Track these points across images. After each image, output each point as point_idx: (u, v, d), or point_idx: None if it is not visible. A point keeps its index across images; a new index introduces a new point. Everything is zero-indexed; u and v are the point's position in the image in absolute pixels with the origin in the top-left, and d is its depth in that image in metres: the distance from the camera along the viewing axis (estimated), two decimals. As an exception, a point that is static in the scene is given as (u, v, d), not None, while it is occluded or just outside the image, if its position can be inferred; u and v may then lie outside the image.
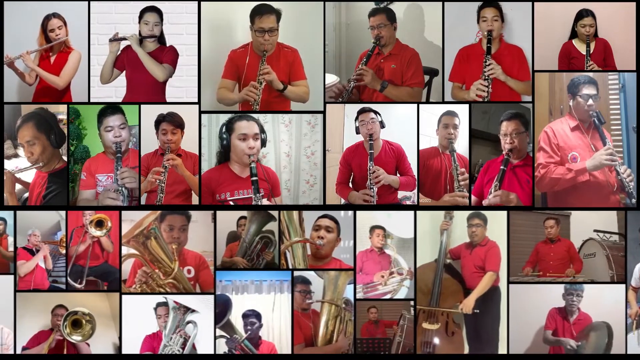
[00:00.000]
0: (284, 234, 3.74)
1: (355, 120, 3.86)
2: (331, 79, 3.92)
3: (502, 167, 3.71)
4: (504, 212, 3.79)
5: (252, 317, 3.71)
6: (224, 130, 3.66)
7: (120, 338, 3.76)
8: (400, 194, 3.90)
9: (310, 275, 3.75)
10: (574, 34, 3.87)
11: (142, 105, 3.81)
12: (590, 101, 3.72)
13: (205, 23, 3.85)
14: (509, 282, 3.79)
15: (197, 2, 3.85)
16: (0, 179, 3.80)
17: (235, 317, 3.71)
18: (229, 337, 3.66)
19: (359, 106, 3.87)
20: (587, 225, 3.85)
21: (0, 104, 3.84)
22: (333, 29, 3.99)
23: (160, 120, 3.80)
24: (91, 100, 3.84)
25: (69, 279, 3.77)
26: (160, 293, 3.67)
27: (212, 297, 3.74)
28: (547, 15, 3.84)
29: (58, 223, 3.85)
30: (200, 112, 3.83)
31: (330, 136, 3.89)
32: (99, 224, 3.77)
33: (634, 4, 3.83)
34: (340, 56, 4.04)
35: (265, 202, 3.62)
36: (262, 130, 3.69)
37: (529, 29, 3.83)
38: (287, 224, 3.73)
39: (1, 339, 3.72)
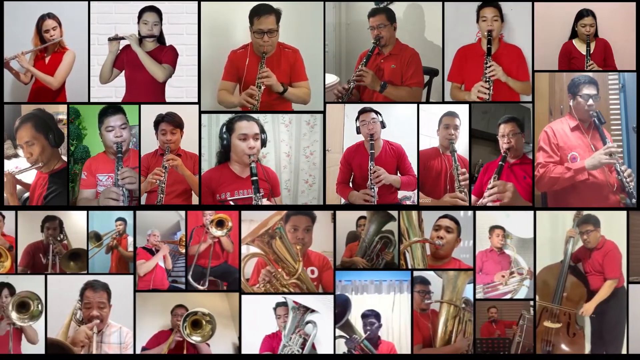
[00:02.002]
0: (404, 234, 3.75)
1: (356, 120, 3.87)
2: (331, 79, 3.92)
3: (500, 162, 3.75)
4: (624, 213, 3.77)
5: (371, 317, 3.72)
6: (224, 130, 3.66)
7: (239, 338, 3.76)
8: (400, 193, 3.90)
9: (429, 275, 3.76)
10: (574, 34, 3.87)
11: (142, 105, 3.80)
12: (591, 101, 3.73)
13: (205, 23, 3.85)
14: (628, 283, 3.77)
15: (197, 2, 3.84)
16: (0, 180, 3.79)
17: (355, 317, 3.72)
18: (348, 337, 3.67)
19: (360, 106, 3.87)
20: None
21: (0, 104, 3.84)
22: (333, 29, 3.98)
23: (159, 121, 3.80)
24: (91, 100, 3.83)
25: (190, 279, 3.74)
26: (282, 293, 3.67)
27: (331, 297, 3.74)
28: (547, 15, 3.84)
29: (178, 223, 3.85)
30: (200, 112, 3.82)
31: (330, 136, 3.89)
32: (220, 223, 3.75)
33: (634, 4, 3.83)
34: (340, 56, 4.03)
35: (265, 202, 3.62)
36: (262, 130, 3.69)
37: (529, 29, 3.83)
38: (407, 224, 3.74)
39: (120, 338, 3.71)
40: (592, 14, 3.84)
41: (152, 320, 3.76)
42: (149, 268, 3.79)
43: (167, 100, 3.84)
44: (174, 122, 3.80)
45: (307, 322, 3.62)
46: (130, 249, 3.82)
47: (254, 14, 3.80)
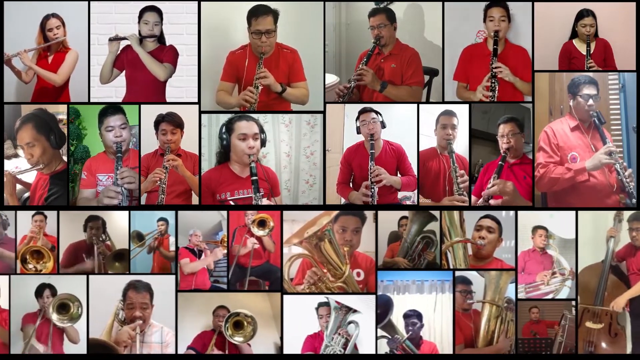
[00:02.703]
0: (445, 234, 3.75)
1: (356, 120, 3.86)
2: (331, 79, 3.92)
3: (500, 162, 3.75)
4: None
5: (413, 317, 3.72)
6: (223, 130, 3.66)
7: (281, 338, 3.75)
8: (401, 194, 3.90)
9: (471, 275, 3.76)
10: (574, 34, 3.87)
11: (142, 105, 3.81)
12: (591, 101, 3.73)
13: (205, 23, 3.85)
14: None
15: (197, 2, 3.84)
16: (0, 180, 3.79)
17: (397, 317, 3.72)
18: (390, 337, 3.67)
19: (360, 106, 3.86)
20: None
21: (0, 104, 3.84)
22: (333, 29, 3.98)
23: (159, 121, 3.80)
24: (91, 100, 3.83)
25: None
26: (325, 294, 3.67)
27: (373, 297, 3.73)
28: (547, 15, 3.84)
29: (219, 223, 3.85)
30: (200, 112, 3.82)
31: (330, 136, 3.89)
32: (262, 223, 3.76)
33: (634, 4, 3.83)
34: (340, 56, 4.03)
35: (265, 201, 3.62)
36: (262, 130, 3.69)
37: (529, 29, 3.83)
38: (449, 224, 3.74)
39: (161, 337, 3.71)
40: (592, 14, 3.83)
41: (194, 320, 3.77)
42: (195, 269, 3.79)
43: (167, 100, 3.85)
44: (174, 122, 3.80)
45: (350, 322, 3.62)
46: (172, 248, 3.82)
47: (252, 15, 3.80)
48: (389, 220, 3.81)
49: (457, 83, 3.89)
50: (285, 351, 3.73)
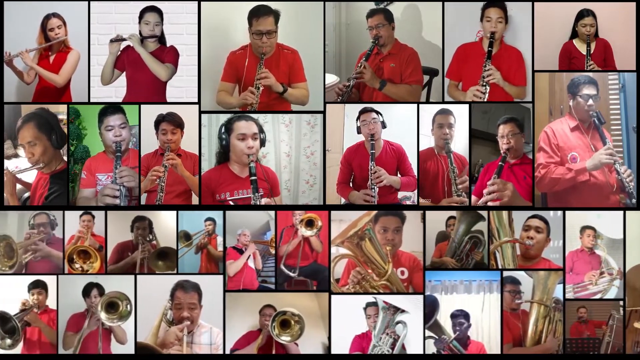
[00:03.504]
0: (494, 234, 3.76)
1: (357, 120, 3.87)
2: (331, 79, 3.92)
3: (500, 163, 3.75)
4: None
5: (460, 317, 3.73)
6: (223, 130, 3.66)
7: (329, 338, 3.76)
8: (401, 194, 3.90)
9: (519, 275, 3.77)
10: (574, 34, 3.86)
11: (142, 105, 3.81)
12: (590, 101, 3.72)
13: (205, 23, 3.85)
14: None
15: (197, 2, 3.85)
16: (0, 180, 3.80)
17: (444, 318, 3.73)
18: (437, 337, 3.69)
19: (360, 106, 3.87)
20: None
21: (0, 104, 3.85)
22: (333, 29, 3.98)
23: (160, 120, 3.80)
24: (91, 100, 3.84)
25: (283, 267, 3.77)
26: (371, 293, 3.68)
27: (421, 297, 3.74)
28: (547, 15, 3.83)
29: (267, 223, 3.86)
30: (200, 112, 3.83)
31: (330, 136, 3.89)
32: (309, 223, 3.77)
33: (634, 4, 3.83)
34: (340, 56, 4.03)
35: (264, 201, 3.62)
36: (261, 130, 3.69)
37: (529, 29, 3.82)
38: (497, 224, 3.75)
39: (211, 338, 3.70)
40: (592, 14, 3.83)
41: (242, 320, 3.77)
42: (238, 268, 3.80)
43: (168, 100, 3.85)
44: (175, 122, 3.81)
45: (397, 322, 3.63)
46: (220, 248, 3.83)
47: (253, 15, 3.80)
48: (437, 220, 3.82)
49: (449, 81, 3.88)
50: (333, 351, 3.74)
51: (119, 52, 3.87)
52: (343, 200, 3.92)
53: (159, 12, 3.86)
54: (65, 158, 3.82)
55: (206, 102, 3.86)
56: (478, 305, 3.76)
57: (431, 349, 3.70)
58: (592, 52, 3.83)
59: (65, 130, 3.81)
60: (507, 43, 3.88)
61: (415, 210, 3.79)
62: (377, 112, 3.84)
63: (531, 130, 3.80)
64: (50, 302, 3.77)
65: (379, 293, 3.66)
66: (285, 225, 3.82)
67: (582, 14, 3.84)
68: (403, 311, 3.63)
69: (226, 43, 3.91)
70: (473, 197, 3.81)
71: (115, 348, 3.74)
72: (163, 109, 3.81)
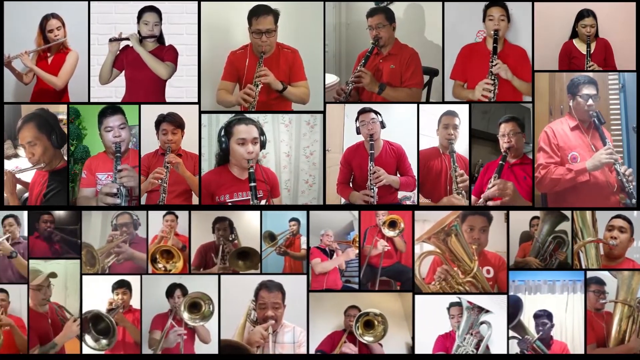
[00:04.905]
0: (577, 234, 3.77)
1: (356, 121, 3.86)
2: (331, 79, 3.91)
3: (500, 162, 3.75)
4: None
5: (543, 317, 3.73)
6: (222, 133, 3.65)
7: (413, 338, 3.76)
8: (400, 194, 3.90)
9: (604, 275, 3.77)
10: (574, 34, 3.86)
11: (142, 105, 3.81)
12: (590, 101, 3.72)
13: (205, 23, 3.85)
14: None
15: (197, 2, 3.85)
16: (0, 179, 3.80)
17: (527, 318, 3.74)
18: (520, 338, 3.70)
19: (359, 106, 3.86)
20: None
21: (0, 104, 3.85)
22: (333, 29, 3.98)
23: (160, 121, 3.80)
24: (91, 101, 3.84)
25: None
26: (458, 292, 3.69)
27: (504, 297, 3.75)
28: (547, 15, 3.83)
29: (351, 223, 3.86)
30: (200, 112, 3.83)
31: (330, 136, 3.89)
32: (392, 224, 3.78)
33: (634, 4, 3.82)
34: (340, 56, 4.03)
35: (262, 204, 3.63)
36: (262, 133, 3.68)
37: (529, 29, 3.82)
38: (581, 224, 3.76)
39: (294, 337, 3.69)
40: (592, 15, 3.83)
41: (326, 320, 3.77)
42: (326, 269, 3.80)
43: (167, 100, 3.85)
44: (175, 122, 3.81)
45: (482, 323, 3.64)
46: (304, 247, 3.84)
47: (253, 14, 3.80)
48: (521, 220, 3.82)
49: (454, 82, 3.88)
50: (417, 351, 3.75)
51: (118, 52, 3.87)
52: (343, 201, 3.92)
53: (158, 12, 3.85)
54: (65, 158, 3.82)
55: (206, 102, 3.86)
56: (561, 306, 3.77)
57: (514, 349, 3.72)
58: (592, 52, 3.83)
59: (65, 130, 3.81)
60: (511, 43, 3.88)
61: (457, 210, 3.77)
62: (376, 112, 3.84)
63: (531, 130, 3.80)
64: (134, 302, 3.78)
65: (465, 292, 3.69)
66: (368, 225, 3.84)
67: (582, 14, 3.84)
68: (487, 311, 3.65)
69: (226, 43, 3.91)
70: (472, 197, 3.81)
71: (199, 347, 3.75)
72: (163, 109, 3.81)
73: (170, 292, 3.76)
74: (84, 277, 3.78)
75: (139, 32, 3.85)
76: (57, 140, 3.77)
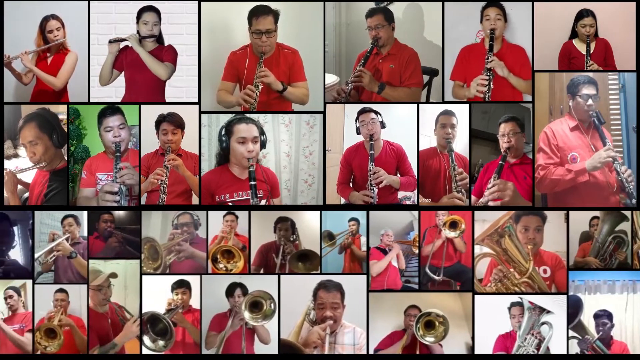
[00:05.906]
0: (637, 234, 3.77)
1: (356, 121, 3.86)
2: (331, 79, 3.92)
3: (500, 162, 3.75)
4: None
5: (603, 317, 3.74)
6: (222, 132, 3.66)
7: (472, 338, 3.76)
8: (400, 194, 3.90)
9: None
10: (574, 34, 3.86)
11: (142, 106, 3.81)
12: (590, 101, 3.72)
13: (205, 23, 3.85)
14: None
15: (197, 2, 3.85)
16: (0, 179, 3.81)
17: (587, 318, 3.74)
18: (580, 338, 3.70)
19: (359, 106, 3.86)
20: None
21: (0, 104, 3.86)
22: (333, 29, 3.98)
23: (160, 121, 3.81)
24: (91, 101, 3.84)
25: (427, 271, 3.78)
26: (514, 293, 3.70)
27: (564, 297, 3.75)
28: (547, 15, 3.83)
29: (411, 223, 3.87)
30: (200, 112, 3.83)
31: (330, 136, 3.89)
32: (453, 225, 3.79)
33: (634, 4, 3.82)
34: (340, 56, 4.03)
35: (262, 204, 3.63)
36: (262, 132, 3.68)
37: (529, 28, 3.82)
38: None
39: (354, 338, 3.67)
40: (592, 14, 3.82)
41: (385, 320, 3.77)
42: (381, 268, 3.80)
43: (167, 100, 3.85)
44: (175, 122, 3.81)
45: (543, 323, 3.65)
46: (364, 248, 3.83)
47: (253, 15, 3.80)
48: (581, 220, 3.82)
49: (454, 82, 3.89)
50: (477, 351, 3.75)
51: (118, 52, 3.87)
52: (343, 201, 3.92)
53: (157, 12, 3.86)
54: (66, 158, 3.83)
55: (206, 102, 3.86)
56: (622, 305, 3.77)
57: (574, 349, 3.72)
58: (592, 52, 3.82)
59: (66, 130, 3.82)
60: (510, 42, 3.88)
61: (504, 210, 3.77)
62: (376, 112, 3.84)
63: (531, 130, 3.80)
64: (193, 302, 3.78)
65: (521, 292, 3.70)
66: (428, 225, 3.84)
67: (581, 14, 3.84)
68: (549, 312, 3.66)
69: (226, 43, 3.91)
70: (473, 197, 3.81)
71: (259, 348, 3.75)
72: (163, 109, 3.81)
73: (230, 291, 3.75)
74: (143, 277, 3.78)
75: (138, 32, 3.85)
76: (58, 139, 3.78)
